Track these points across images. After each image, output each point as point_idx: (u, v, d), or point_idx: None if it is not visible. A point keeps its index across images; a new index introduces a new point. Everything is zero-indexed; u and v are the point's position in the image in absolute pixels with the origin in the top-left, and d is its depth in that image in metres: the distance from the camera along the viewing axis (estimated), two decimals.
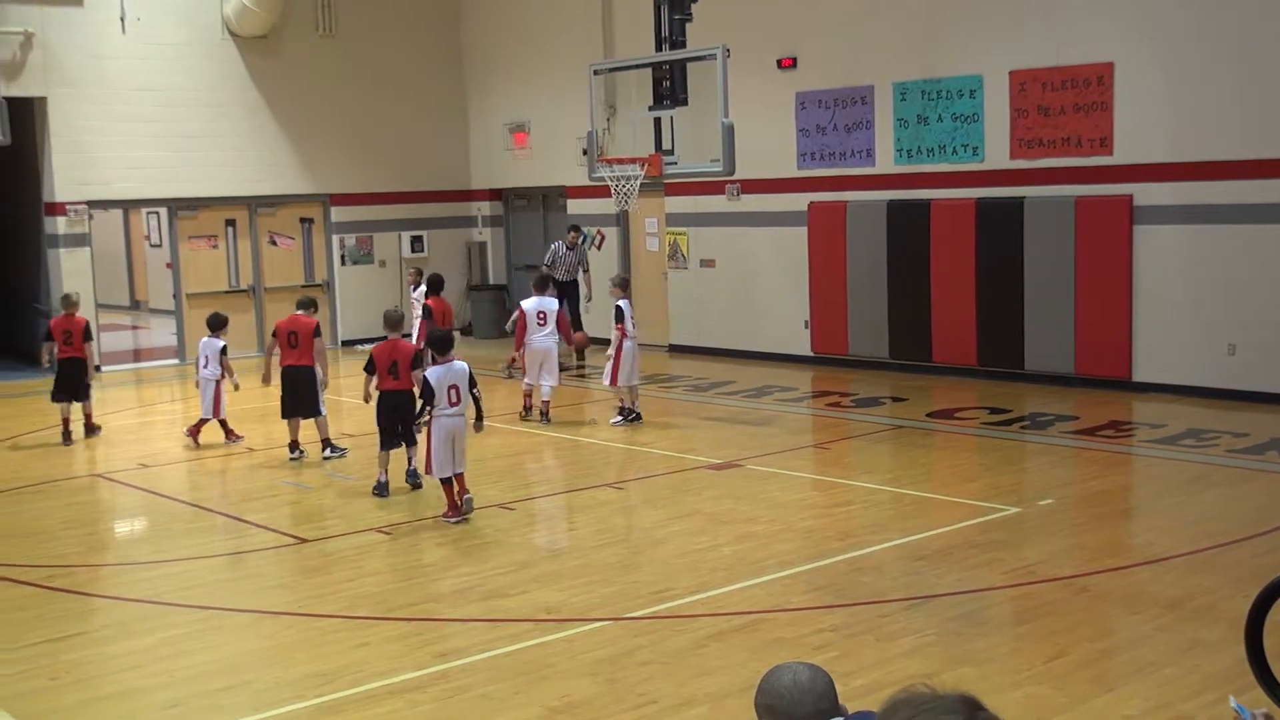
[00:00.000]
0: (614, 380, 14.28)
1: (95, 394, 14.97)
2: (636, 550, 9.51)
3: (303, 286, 21.28)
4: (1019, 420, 13.90)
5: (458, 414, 10.43)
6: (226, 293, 21.54)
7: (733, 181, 17.99)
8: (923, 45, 16.64)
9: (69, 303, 14.84)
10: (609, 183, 15.25)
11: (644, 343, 20.83)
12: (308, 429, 13.22)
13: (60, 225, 19.85)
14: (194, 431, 13.94)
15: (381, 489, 11.32)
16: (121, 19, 20.02)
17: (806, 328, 18.31)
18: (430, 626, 8.06)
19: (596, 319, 19.28)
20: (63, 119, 19.69)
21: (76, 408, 14.57)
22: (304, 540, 10.19)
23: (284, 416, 13.12)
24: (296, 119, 21.78)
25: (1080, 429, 13.29)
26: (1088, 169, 15.19)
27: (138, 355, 22.73)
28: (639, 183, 15.03)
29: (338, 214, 22.48)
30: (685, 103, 16.04)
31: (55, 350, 14.45)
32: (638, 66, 17.07)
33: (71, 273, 19.75)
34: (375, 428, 11.65)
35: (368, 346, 18.53)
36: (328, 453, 13.07)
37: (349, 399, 16.83)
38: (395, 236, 22.98)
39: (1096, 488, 11.10)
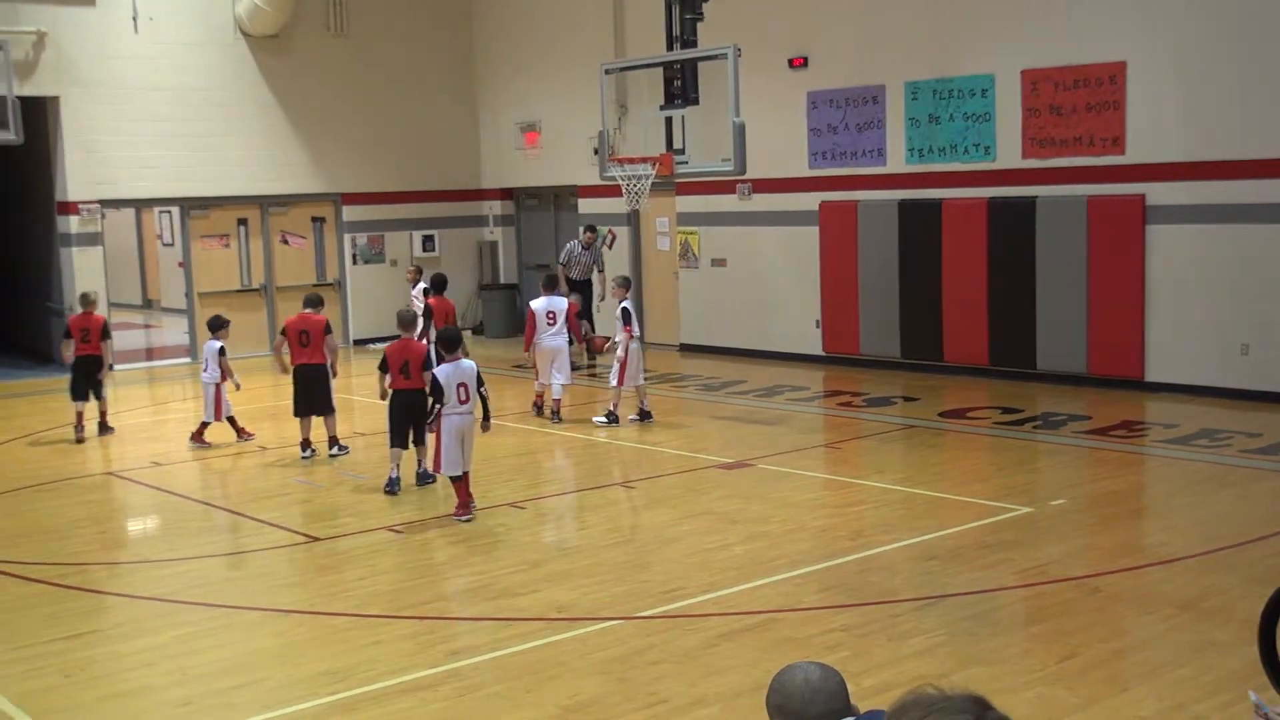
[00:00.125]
0: (621, 381, 14.28)
1: (108, 392, 14.98)
2: (647, 549, 9.51)
3: (314, 285, 21.32)
4: (1031, 420, 13.87)
5: (466, 412, 10.45)
6: (238, 292, 21.60)
7: (744, 181, 17.99)
8: (934, 44, 16.62)
9: (87, 301, 14.92)
10: (620, 182, 15.26)
11: (655, 342, 20.97)
12: (319, 428, 13.24)
13: (73, 224, 19.91)
14: (197, 435, 13.96)
15: (393, 485, 11.36)
16: (134, 18, 20.07)
17: (818, 327, 18.29)
18: (442, 625, 8.07)
19: (601, 318, 19.31)
20: (75, 118, 19.75)
21: (92, 406, 14.62)
22: (316, 539, 10.21)
23: (297, 415, 13.15)
24: (308, 118, 21.82)
25: (1092, 429, 13.26)
26: (1100, 168, 15.15)
27: (150, 354, 22.81)
28: (650, 182, 15.04)
29: (349, 213, 22.51)
30: (696, 102, 16.03)
31: (73, 347, 14.52)
32: (649, 66, 17.06)
33: (84, 272, 19.80)
34: (386, 426, 11.67)
35: (380, 346, 18.64)
36: (334, 450, 13.12)
37: (360, 398, 16.87)
38: (406, 236, 23.01)
39: (1109, 488, 11.08)
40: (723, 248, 19.58)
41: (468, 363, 10.59)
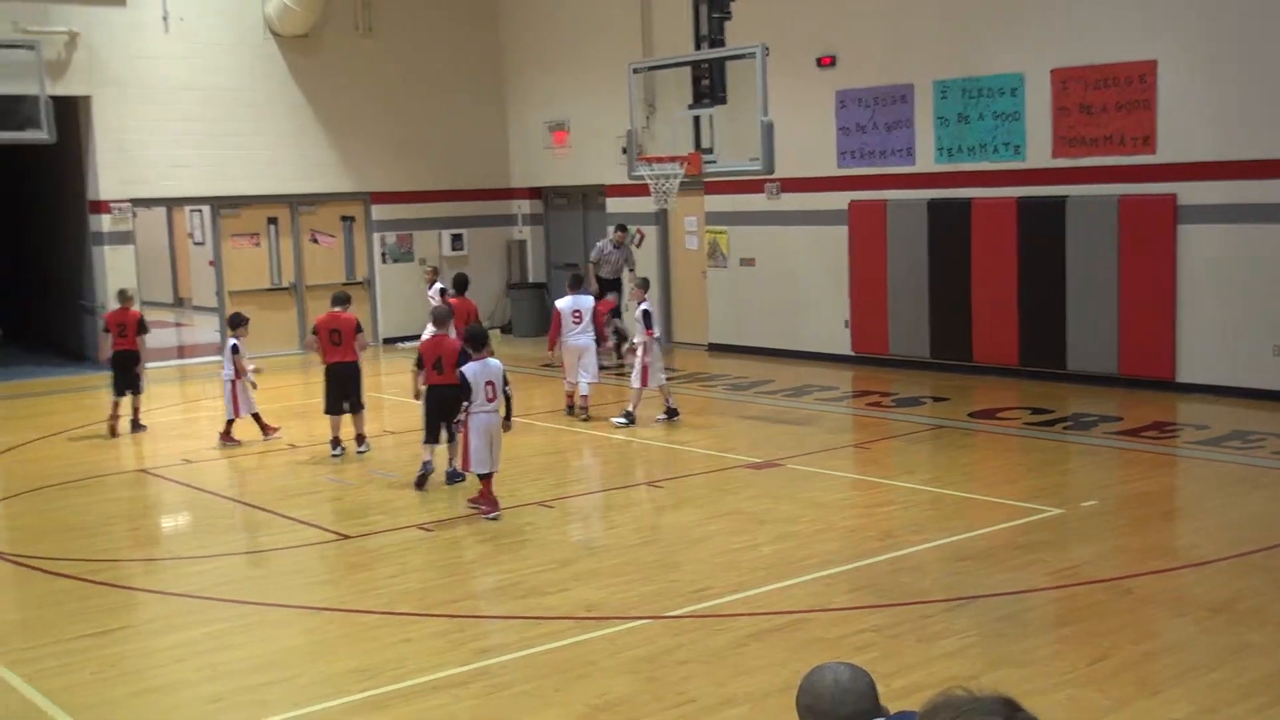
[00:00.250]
0: (645, 382, 14.28)
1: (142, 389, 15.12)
2: (676, 549, 9.50)
3: (343, 284, 21.38)
4: (1061, 421, 13.80)
5: (493, 410, 10.50)
6: (268, 290, 21.71)
7: (772, 180, 17.96)
8: (963, 43, 16.55)
9: (124, 297, 15.19)
10: (648, 181, 15.25)
11: (684, 341, 20.96)
12: (348, 425, 13.28)
13: (105, 223, 20.04)
14: (225, 434, 14.02)
15: (426, 468, 11.50)
16: (164, 18, 20.19)
17: (846, 327, 18.25)
18: (471, 623, 8.09)
19: (630, 317, 19.28)
20: (106, 118, 19.88)
21: (127, 403, 14.76)
22: (346, 536, 10.25)
23: (328, 412, 13.20)
24: (337, 117, 21.90)
25: (1123, 430, 13.18)
26: (1131, 168, 15.06)
27: (181, 352, 22.92)
28: (678, 181, 15.02)
29: (378, 212, 22.59)
30: (724, 101, 16.01)
31: (111, 342, 14.76)
32: (677, 65, 17.06)
33: (116, 270, 19.92)
34: (417, 423, 11.73)
35: (409, 345, 18.70)
36: (362, 448, 13.17)
37: (389, 396, 16.93)
38: (435, 235, 23.07)
39: (1140, 489, 11.01)
40: (751, 247, 19.56)
41: (494, 361, 10.63)
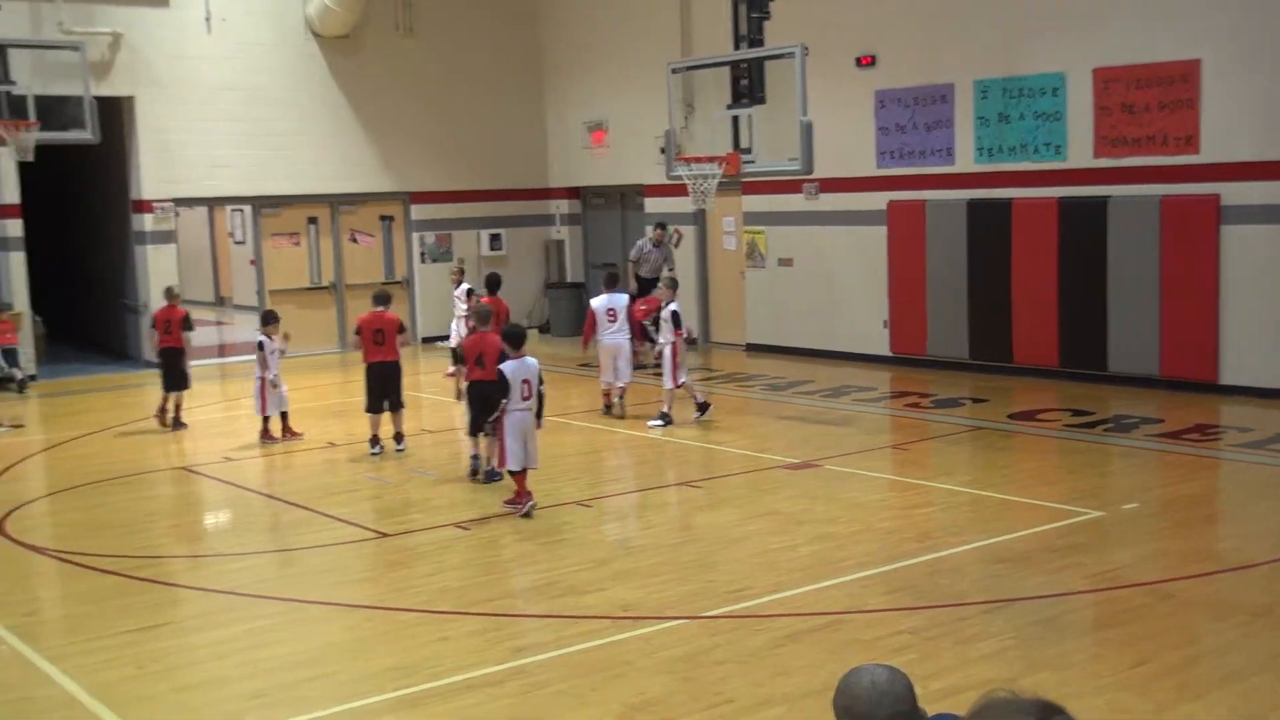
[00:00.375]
0: (676, 382, 14.28)
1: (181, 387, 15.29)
2: (713, 549, 9.50)
3: (382, 284, 21.47)
4: (1102, 423, 13.70)
5: (528, 409, 10.55)
6: (308, 289, 21.85)
7: (811, 180, 17.92)
8: (1004, 42, 16.47)
9: (171, 295, 15.50)
10: (687, 181, 15.25)
11: (722, 341, 20.96)
12: (387, 424, 13.35)
13: (147, 222, 20.23)
14: (264, 433, 14.12)
15: (475, 472, 11.65)
16: (206, 19, 20.35)
17: (885, 327, 18.19)
18: (508, 622, 8.12)
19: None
20: (149, 118, 20.06)
21: (174, 397, 15.07)
22: (385, 534, 10.31)
23: (370, 410, 13.27)
24: (377, 118, 22.01)
25: (1165, 432, 13.08)
26: (1173, 168, 14.94)
27: (222, 350, 23.09)
28: (717, 181, 15.02)
29: (417, 212, 22.69)
30: (763, 101, 16.00)
31: (157, 339, 15.10)
32: (716, 65, 17.06)
33: (158, 269, 20.11)
34: (454, 422, 11.78)
35: (445, 345, 18.75)
36: (400, 446, 13.24)
37: (428, 395, 17.00)
38: (474, 234, 23.15)
39: (1181, 492, 10.93)
40: (789, 247, 19.52)
41: (532, 360, 10.68)
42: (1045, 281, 16.14)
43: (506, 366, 10.55)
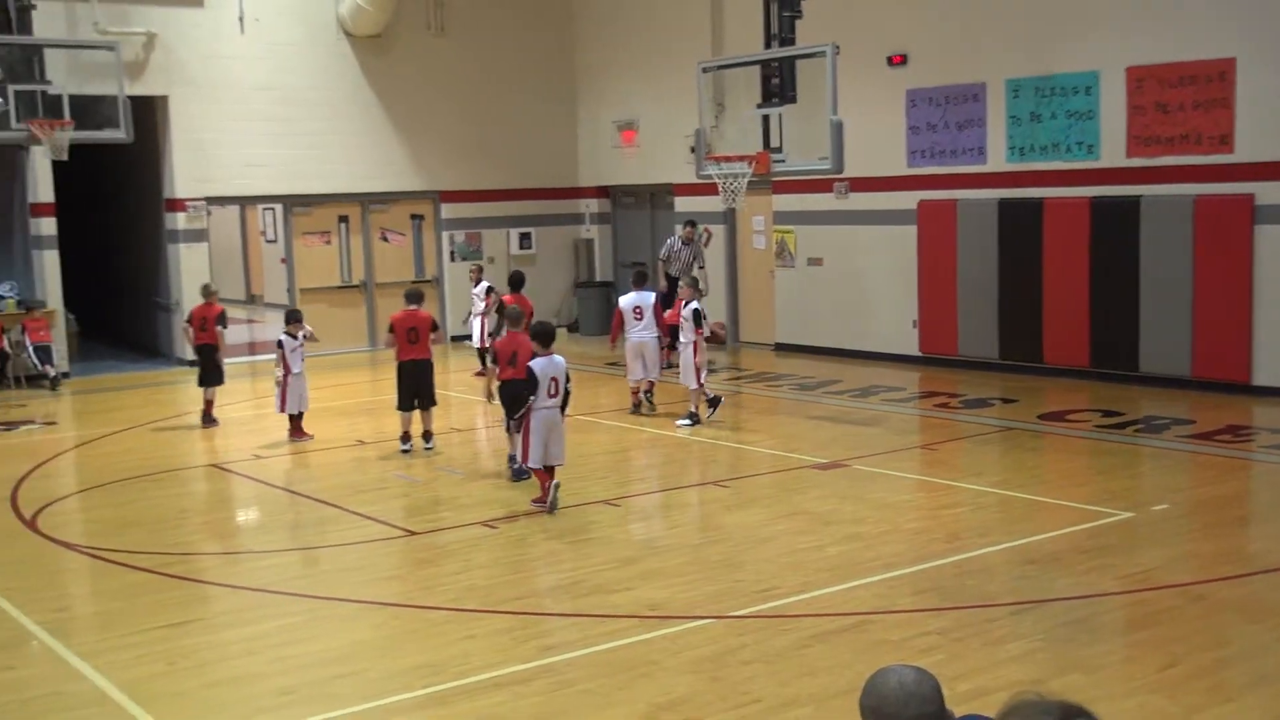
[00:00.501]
0: (699, 382, 14.26)
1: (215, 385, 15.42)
2: (740, 549, 9.49)
3: (413, 282, 21.53)
4: (1133, 424, 13.62)
5: (554, 406, 10.60)
6: (339, 288, 21.94)
7: (841, 179, 17.88)
8: (1036, 41, 16.38)
9: (208, 292, 15.70)
10: (717, 180, 15.24)
11: (750, 341, 20.93)
12: (417, 422, 13.39)
13: (180, 221, 20.35)
14: (293, 431, 14.18)
15: (514, 460, 11.69)
16: (240, 19, 20.46)
17: (915, 327, 18.13)
18: (536, 620, 8.13)
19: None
20: (183, 117, 20.19)
21: (214, 391, 15.29)
22: (413, 532, 10.35)
23: (402, 408, 13.31)
24: (408, 117, 22.08)
25: (1196, 433, 12.99)
26: (1207, 167, 14.84)
27: (253, 349, 23.21)
28: (747, 180, 15.00)
29: (448, 211, 22.75)
30: (794, 100, 16.00)
31: (193, 335, 15.34)
32: (747, 64, 17.05)
33: (190, 268, 20.24)
34: (483, 421, 11.79)
35: (473, 344, 18.80)
36: (429, 444, 13.28)
37: (456, 394, 17.04)
38: (504, 233, 23.20)
39: (1213, 493, 10.85)
40: (819, 247, 19.48)
41: (559, 358, 10.72)
42: (1076, 281, 16.05)
43: (536, 364, 10.59)
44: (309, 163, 21.21)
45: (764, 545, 9.54)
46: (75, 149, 17.31)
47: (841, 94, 13.99)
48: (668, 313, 14.97)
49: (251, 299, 30.37)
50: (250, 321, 27.45)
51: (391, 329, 13.32)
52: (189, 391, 17.75)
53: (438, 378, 13.81)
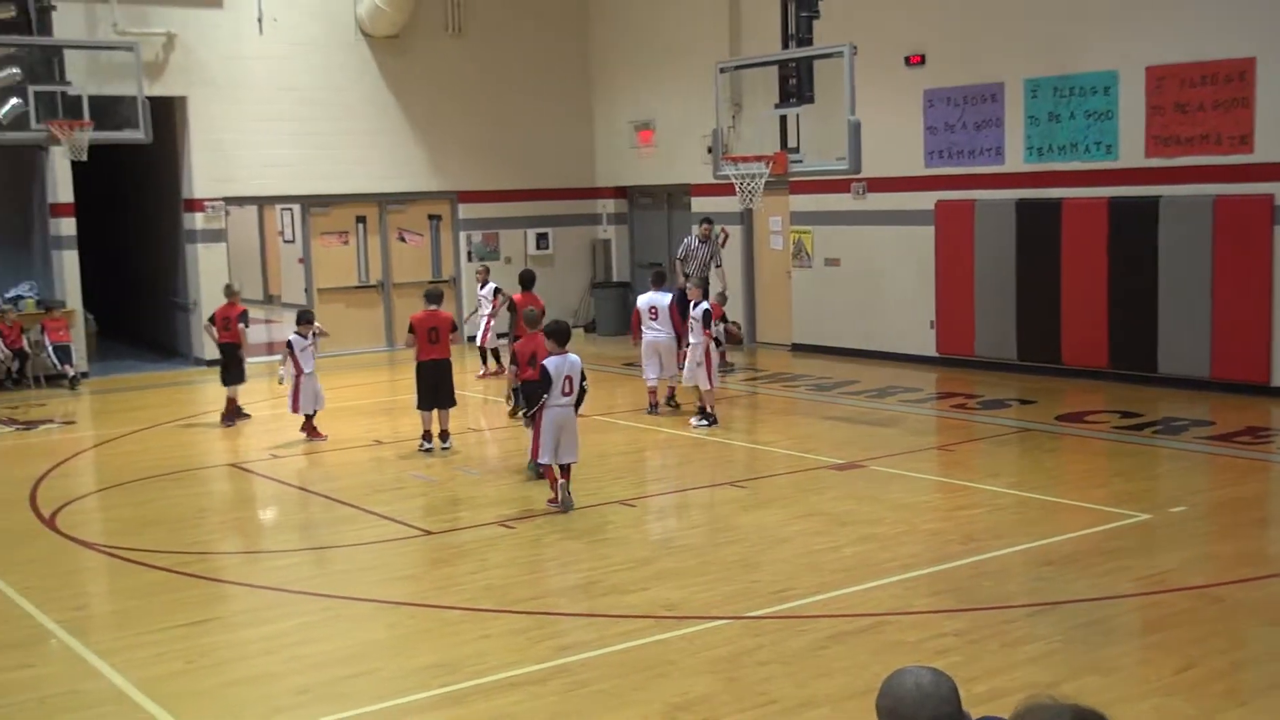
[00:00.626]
0: (711, 382, 14.24)
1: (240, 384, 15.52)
2: (757, 549, 9.48)
3: (430, 282, 21.55)
4: (1151, 425, 13.57)
5: (567, 404, 10.61)
6: (356, 288, 21.99)
7: (859, 180, 17.85)
8: (1055, 41, 16.33)
9: (230, 292, 15.85)
10: (734, 181, 15.24)
11: (767, 341, 20.91)
12: (437, 422, 13.42)
13: (198, 221, 20.42)
14: (308, 431, 14.21)
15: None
16: (259, 20, 20.52)
17: (932, 328, 18.09)
18: (551, 620, 8.14)
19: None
20: (201, 118, 20.26)
21: (238, 389, 15.40)
22: (429, 532, 10.36)
23: (422, 408, 13.35)
24: (426, 117, 22.12)
25: (1215, 434, 12.94)
26: (1227, 167, 14.78)
27: (272, 348, 23.28)
28: (764, 181, 14.99)
29: (465, 211, 22.79)
30: (811, 100, 15.99)
31: (216, 334, 15.48)
32: (764, 64, 17.06)
33: (208, 268, 20.31)
34: (501, 421, 11.80)
35: (505, 343, 18.81)
36: (446, 444, 13.31)
37: (473, 394, 17.06)
38: (521, 234, 23.23)
39: (1232, 495, 10.81)
40: (836, 247, 19.46)
41: (574, 357, 10.73)
42: (1095, 282, 16.00)
43: (550, 362, 10.61)
44: (327, 163, 21.26)
45: (780, 546, 9.53)
46: (94, 149, 17.37)
47: (859, 94, 13.98)
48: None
49: (269, 299, 30.45)
50: (269, 321, 27.53)
51: (412, 329, 13.35)
52: (207, 391, 17.82)
53: (455, 378, 13.83)
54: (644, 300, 14.97)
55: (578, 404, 10.79)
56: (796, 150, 15.38)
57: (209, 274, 20.19)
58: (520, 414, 11.83)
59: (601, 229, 24.10)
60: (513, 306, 15.55)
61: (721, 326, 17.03)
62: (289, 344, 14.12)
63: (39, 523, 10.93)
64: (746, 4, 20.37)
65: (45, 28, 18.53)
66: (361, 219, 22.05)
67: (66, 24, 18.84)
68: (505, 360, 17.70)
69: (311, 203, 21.58)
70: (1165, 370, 15.46)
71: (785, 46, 17.84)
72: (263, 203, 23.47)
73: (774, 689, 6.74)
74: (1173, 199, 15.20)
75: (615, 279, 23.90)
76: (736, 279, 20.61)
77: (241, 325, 15.37)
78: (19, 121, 17.50)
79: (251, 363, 16.84)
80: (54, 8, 18.58)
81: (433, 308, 13.44)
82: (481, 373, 18.16)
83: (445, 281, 22.47)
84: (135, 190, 23.16)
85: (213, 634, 8.04)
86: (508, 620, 8.04)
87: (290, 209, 25.04)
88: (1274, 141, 14.35)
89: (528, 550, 9.85)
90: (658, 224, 23.43)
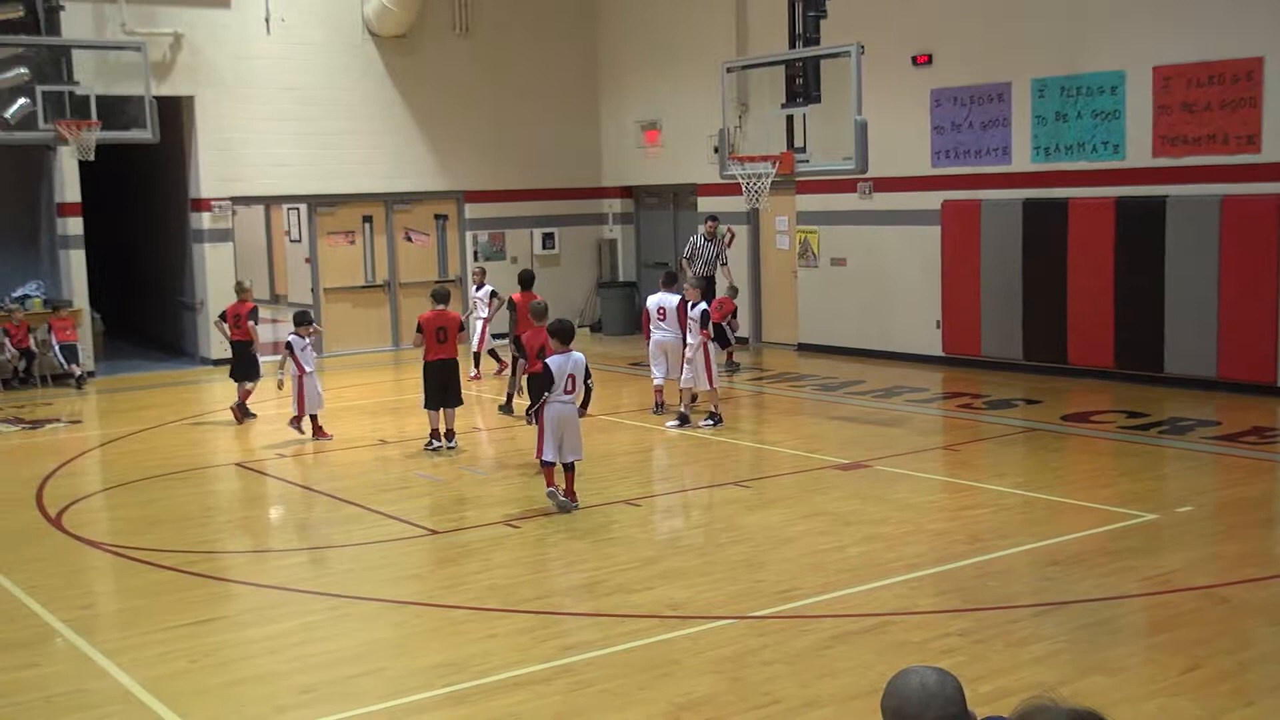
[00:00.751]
0: (711, 383, 14.23)
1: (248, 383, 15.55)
2: (762, 549, 9.48)
3: (436, 282, 21.55)
4: (1157, 425, 13.55)
5: (568, 402, 10.61)
6: (363, 288, 22.00)
7: (865, 179, 17.84)
8: (1062, 40, 16.32)
9: (241, 289, 16.00)
10: (740, 180, 15.23)
11: (773, 341, 20.91)
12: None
13: (205, 220, 20.44)
14: (314, 430, 14.23)
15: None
16: (266, 20, 20.54)
17: (938, 328, 18.08)
18: (556, 620, 8.14)
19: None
20: (209, 117, 20.28)
21: (249, 386, 15.48)
22: (434, 531, 10.37)
23: (429, 407, 13.35)
24: (432, 117, 22.14)
25: (1222, 435, 12.92)
26: (1234, 167, 14.75)
27: (277, 348, 23.31)
28: (770, 180, 14.98)
29: (471, 211, 22.80)
30: (818, 100, 15.94)
31: (229, 332, 15.63)
32: (771, 64, 17.03)
33: (215, 267, 20.35)
34: (506, 421, 11.80)
35: (501, 342, 18.83)
36: (451, 444, 13.32)
37: (475, 393, 17.06)
38: (527, 233, 23.24)
39: (1238, 495, 10.78)
40: (843, 247, 19.45)
41: (578, 355, 10.74)
42: (1101, 282, 15.98)
43: (553, 360, 10.63)
44: (333, 163, 21.28)
45: (785, 546, 9.53)
46: (102, 149, 17.41)
47: (866, 94, 13.97)
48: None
49: (276, 299, 30.50)
50: (275, 321, 27.57)
51: (420, 329, 13.36)
52: (214, 390, 17.87)
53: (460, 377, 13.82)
54: (653, 301, 14.96)
55: (585, 403, 10.80)
56: (803, 150, 15.34)
57: (216, 273, 20.23)
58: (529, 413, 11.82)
59: (607, 229, 24.11)
60: (512, 306, 15.58)
61: (727, 323, 17.07)
62: (289, 345, 14.13)
63: (45, 522, 10.95)
64: (753, 4, 20.37)
65: (53, 27, 18.55)
66: (368, 219, 22.06)
67: (74, 24, 18.87)
68: (505, 358, 17.71)
69: (318, 202, 21.60)
70: (1171, 370, 15.43)
71: (792, 46, 17.76)
72: (269, 202, 23.50)
73: (778, 689, 6.73)
74: (1180, 199, 15.17)
75: (621, 279, 23.90)
76: (743, 279, 20.58)
77: (251, 323, 15.45)
78: (27, 121, 17.52)
79: (264, 361, 16.87)
80: (62, 7, 18.60)
81: (440, 307, 13.47)
82: (474, 374, 17.99)
83: (451, 281, 22.48)
84: (142, 190, 23.20)
85: (218, 633, 8.05)
86: (513, 620, 8.04)
87: (297, 208, 25.09)
88: None
89: (533, 550, 9.85)
90: (664, 224, 23.43)
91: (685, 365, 14.28)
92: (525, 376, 12.14)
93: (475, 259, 22.58)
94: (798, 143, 15.61)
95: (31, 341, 18.69)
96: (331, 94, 21.22)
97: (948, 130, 17.75)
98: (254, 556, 10.10)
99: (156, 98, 18.42)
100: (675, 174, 22.38)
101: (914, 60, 17.97)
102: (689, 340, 14.22)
